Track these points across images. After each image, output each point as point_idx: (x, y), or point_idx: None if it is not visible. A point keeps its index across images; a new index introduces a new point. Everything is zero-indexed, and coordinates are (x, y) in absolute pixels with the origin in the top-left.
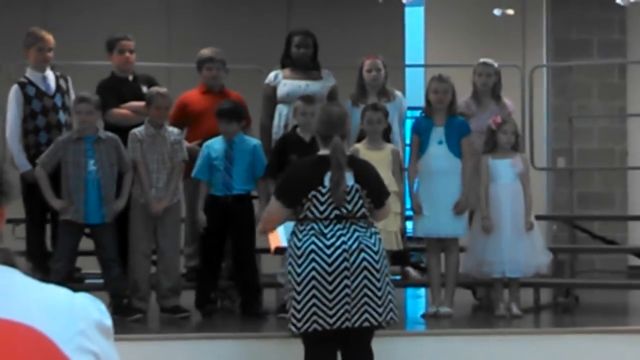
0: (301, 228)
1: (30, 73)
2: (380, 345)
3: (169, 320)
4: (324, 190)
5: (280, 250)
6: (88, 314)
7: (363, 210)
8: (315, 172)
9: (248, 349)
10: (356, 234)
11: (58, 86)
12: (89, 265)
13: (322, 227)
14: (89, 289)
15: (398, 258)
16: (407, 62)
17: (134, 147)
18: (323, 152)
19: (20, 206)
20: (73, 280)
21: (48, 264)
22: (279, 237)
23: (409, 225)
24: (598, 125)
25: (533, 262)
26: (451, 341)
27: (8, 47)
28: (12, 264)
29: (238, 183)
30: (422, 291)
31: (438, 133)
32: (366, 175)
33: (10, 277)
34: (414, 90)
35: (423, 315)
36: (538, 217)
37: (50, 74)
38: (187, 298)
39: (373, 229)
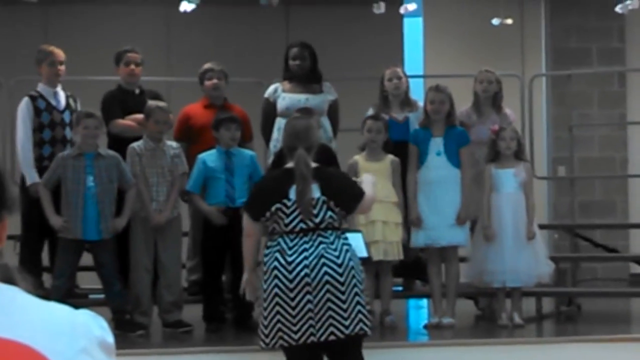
0: (269, 243)
1: (42, 88)
2: (382, 356)
3: (171, 334)
4: (289, 203)
5: None
6: (90, 332)
7: (331, 221)
8: (281, 185)
9: None
10: (320, 246)
11: (68, 104)
12: (90, 280)
13: (288, 241)
14: (91, 304)
15: (412, 270)
16: (407, 72)
17: (132, 161)
18: (289, 165)
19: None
20: (74, 297)
21: (41, 279)
22: None
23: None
24: (598, 133)
25: (534, 272)
26: (454, 351)
27: (8, 63)
28: (13, 281)
29: (239, 194)
30: (424, 302)
31: (437, 144)
32: (333, 186)
33: (11, 295)
34: None
35: (425, 326)
36: (539, 226)
37: (61, 92)
38: (189, 312)
39: (342, 241)
